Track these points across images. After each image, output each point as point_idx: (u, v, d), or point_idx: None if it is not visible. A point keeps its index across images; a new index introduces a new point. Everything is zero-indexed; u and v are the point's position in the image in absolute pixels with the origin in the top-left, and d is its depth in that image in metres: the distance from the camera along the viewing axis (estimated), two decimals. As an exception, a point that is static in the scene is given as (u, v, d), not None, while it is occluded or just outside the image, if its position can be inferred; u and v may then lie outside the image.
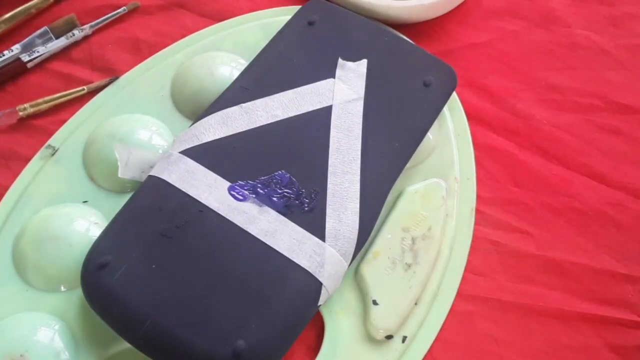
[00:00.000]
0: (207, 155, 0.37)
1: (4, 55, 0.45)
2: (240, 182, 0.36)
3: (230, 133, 0.38)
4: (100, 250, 0.34)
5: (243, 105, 0.39)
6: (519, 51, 0.48)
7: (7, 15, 0.47)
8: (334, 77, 0.41)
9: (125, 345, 0.34)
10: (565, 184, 0.43)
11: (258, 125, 0.39)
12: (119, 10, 0.48)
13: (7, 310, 0.36)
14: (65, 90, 0.44)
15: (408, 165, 0.40)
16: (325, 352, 0.36)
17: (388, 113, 0.40)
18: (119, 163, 0.39)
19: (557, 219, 0.42)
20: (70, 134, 0.42)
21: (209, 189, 0.36)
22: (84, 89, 0.44)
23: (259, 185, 0.36)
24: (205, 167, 0.37)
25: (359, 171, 0.37)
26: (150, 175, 0.37)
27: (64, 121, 0.43)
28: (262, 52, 0.43)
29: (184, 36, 0.47)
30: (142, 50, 0.47)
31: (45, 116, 0.44)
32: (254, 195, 0.36)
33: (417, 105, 0.41)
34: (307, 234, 0.35)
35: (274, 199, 0.36)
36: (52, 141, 0.42)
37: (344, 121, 0.39)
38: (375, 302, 0.37)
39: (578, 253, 0.41)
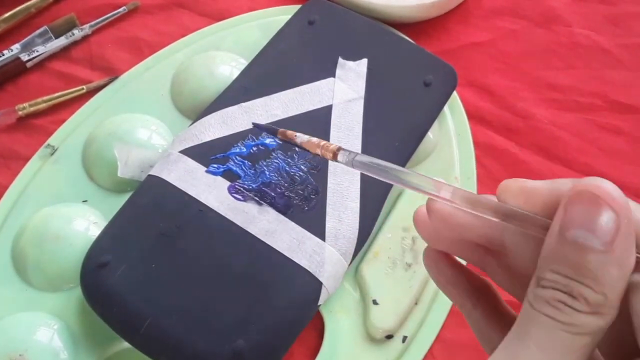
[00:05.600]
0: (207, 154, 0.37)
1: (3, 54, 0.45)
2: (240, 181, 0.36)
3: (230, 132, 0.38)
4: (100, 249, 0.34)
5: (243, 104, 0.39)
6: (519, 51, 0.48)
7: (6, 15, 0.47)
8: (334, 76, 0.41)
9: (125, 344, 0.34)
10: (565, 183, 0.43)
11: (258, 125, 0.39)
12: (118, 10, 0.48)
13: (7, 310, 0.36)
14: (64, 89, 0.44)
15: (408, 164, 0.40)
16: (325, 352, 0.36)
17: (388, 112, 0.40)
18: (118, 162, 0.39)
19: (557, 218, 0.42)
20: (70, 134, 0.42)
21: (209, 189, 0.36)
22: (83, 89, 0.44)
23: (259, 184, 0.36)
24: (205, 166, 0.37)
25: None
26: (149, 175, 0.37)
27: (63, 120, 0.43)
28: (262, 52, 0.43)
29: (183, 36, 0.47)
30: (141, 50, 0.47)
31: (45, 115, 0.44)
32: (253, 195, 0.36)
33: (418, 105, 0.41)
34: (307, 234, 0.35)
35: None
36: (51, 140, 0.42)
37: (344, 120, 0.39)
38: (375, 302, 0.36)
39: (578, 253, 0.40)
